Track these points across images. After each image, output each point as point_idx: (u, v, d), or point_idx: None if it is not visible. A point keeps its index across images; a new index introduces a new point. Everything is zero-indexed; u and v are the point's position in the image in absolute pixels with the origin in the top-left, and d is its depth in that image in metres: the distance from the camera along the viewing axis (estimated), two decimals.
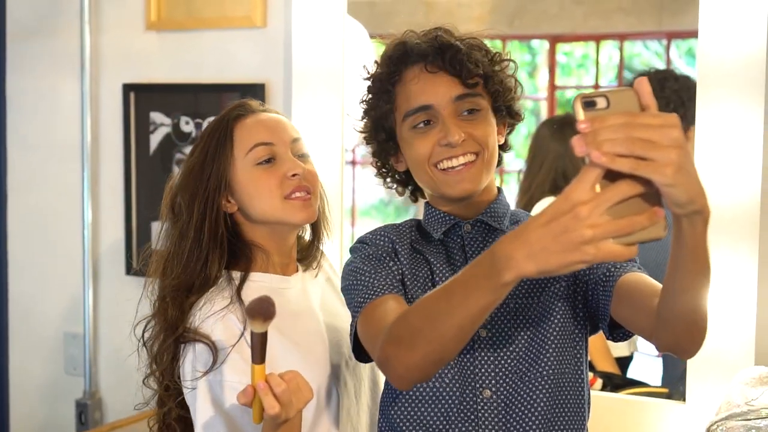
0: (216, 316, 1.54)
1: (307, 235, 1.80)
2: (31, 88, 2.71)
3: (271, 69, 2.38)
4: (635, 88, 0.99)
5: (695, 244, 1.05)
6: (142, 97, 2.54)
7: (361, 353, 1.49)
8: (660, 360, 2.51)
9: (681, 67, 3.10)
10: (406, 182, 1.59)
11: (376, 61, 1.55)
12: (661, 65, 4.31)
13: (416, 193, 1.61)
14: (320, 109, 2.28)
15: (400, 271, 1.48)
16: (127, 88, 2.54)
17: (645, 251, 1.14)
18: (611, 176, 0.96)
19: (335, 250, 2.25)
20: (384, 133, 1.52)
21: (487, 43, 1.53)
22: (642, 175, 0.95)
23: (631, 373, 2.57)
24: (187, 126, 2.48)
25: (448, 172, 1.45)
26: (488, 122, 1.48)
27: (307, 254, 1.76)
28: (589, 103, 0.97)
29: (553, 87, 3.06)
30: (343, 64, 2.26)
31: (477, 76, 1.46)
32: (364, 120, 1.57)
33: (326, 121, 2.28)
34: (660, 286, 1.28)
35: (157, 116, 2.52)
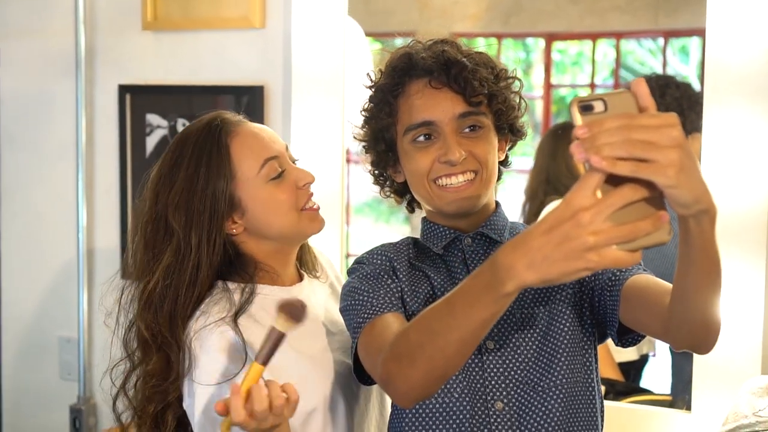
0: (210, 328, 1.49)
1: None
2: (24, 89, 2.67)
3: (270, 71, 2.35)
4: (632, 89, 0.96)
5: (704, 243, 1.03)
6: (138, 99, 2.50)
7: (362, 375, 1.47)
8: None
9: (676, 65, 3.09)
10: (403, 193, 1.59)
11: (380, 69, 1.53)
12: (657, 64, 4.28)
13: (413, 204, 1.60)
14: (320, 111, 2.26)
15: (399, 289, 1.46)
16: (123, 90, 2.51)
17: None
18: (613, 181, 0.93)
19: (335, 252, 2.22)
20: (384, 144, 1.51)
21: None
22: (644, 177, 0.92)
23: (646, 376, 2.55)
24: None
25: (446, 189, 1.45)
26: (489, 140, 1.47)
27: (302, 259, 1.72)
28: (586, 107, 0.95)
29: (548, 85, 3.06)
30: (343, 66, 2.24)
31: (481, 94, 1.45)
32: (365, 128, 1.56)
33: (326, 124, 2.25)
34: (668, 284, 1.27)
35: (153, 118, 2.49)
